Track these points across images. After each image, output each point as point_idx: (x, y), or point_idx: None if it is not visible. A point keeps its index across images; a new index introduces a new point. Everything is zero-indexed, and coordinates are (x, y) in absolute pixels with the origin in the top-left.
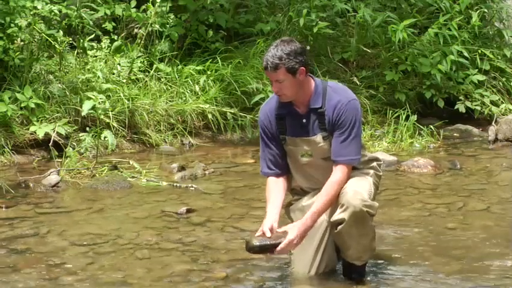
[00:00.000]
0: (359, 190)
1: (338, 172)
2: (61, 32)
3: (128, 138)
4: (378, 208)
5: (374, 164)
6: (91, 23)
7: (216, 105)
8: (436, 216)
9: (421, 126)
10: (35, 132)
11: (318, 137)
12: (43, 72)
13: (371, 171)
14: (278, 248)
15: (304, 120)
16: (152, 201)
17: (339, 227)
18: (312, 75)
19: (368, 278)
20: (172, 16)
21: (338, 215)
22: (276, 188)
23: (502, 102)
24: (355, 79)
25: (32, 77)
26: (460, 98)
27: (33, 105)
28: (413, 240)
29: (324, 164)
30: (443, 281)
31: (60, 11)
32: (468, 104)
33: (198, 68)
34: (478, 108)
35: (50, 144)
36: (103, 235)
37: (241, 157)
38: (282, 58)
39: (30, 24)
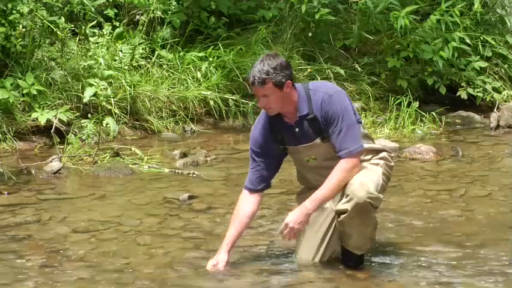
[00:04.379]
0: (365, 182)
1: (343, 162)
2: (63, 19)
3: (130, 124)
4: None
5: (384, 154)
6: (93, 9)
7: (217, 91)
8: (438, 203)
9: (423, 113)
10: (37, 119)
11: (318, 141)
12: (45, 58)
13: (381, 162)
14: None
15: (297, 130)
16: (154, 188)
17: (342, 216)
18: (294, 84)
19: (368, 265)
20: (174, 2)
21: (342, 205)
22: (243, 209)
23: (504, 89)
24: (357, 66)
25: (34, 64)
26: (462, 84)
27: (35, 92)
28: (414, 227)
29: (331, 164)
30: (444, 268)
31: None
32: (470, 90)
33: (200, 54)
34: (480, 94)
35: (52, 130)
36: (104, 222)
37: (243, 144)
38: (269, 73)
39: (32, 10)
